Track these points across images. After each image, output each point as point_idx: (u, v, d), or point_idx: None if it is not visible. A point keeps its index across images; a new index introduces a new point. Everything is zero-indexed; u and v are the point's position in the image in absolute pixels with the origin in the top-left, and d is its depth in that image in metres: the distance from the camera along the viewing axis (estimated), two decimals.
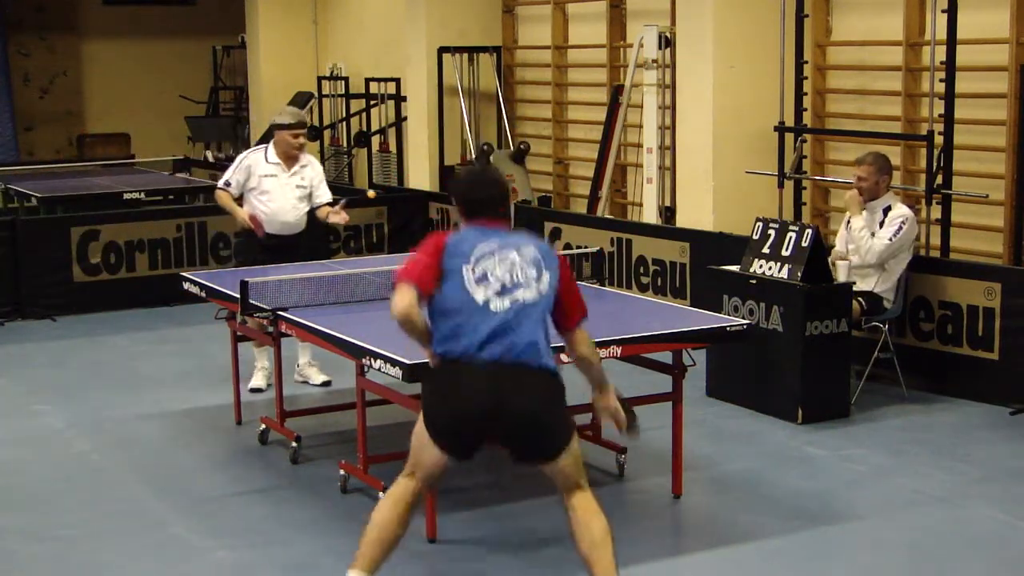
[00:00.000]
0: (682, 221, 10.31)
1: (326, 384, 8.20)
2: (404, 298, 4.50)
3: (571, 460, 4.60)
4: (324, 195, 8.16)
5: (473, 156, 12.96)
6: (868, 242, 7.63)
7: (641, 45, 10.82)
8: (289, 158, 8.00)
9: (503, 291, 4.52)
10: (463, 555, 5.50)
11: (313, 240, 8.39)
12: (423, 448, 4.58)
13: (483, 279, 4.53)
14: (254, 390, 7.98)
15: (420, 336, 4.58)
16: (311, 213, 8.15)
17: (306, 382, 8.31)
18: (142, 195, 12.47)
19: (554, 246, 4.77)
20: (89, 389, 8.36)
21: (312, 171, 8.12)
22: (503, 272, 4.55)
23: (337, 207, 8.04)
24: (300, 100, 16.55)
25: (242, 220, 7.97)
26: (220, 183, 8.13)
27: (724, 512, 6.05)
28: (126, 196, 12.34)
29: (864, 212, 7.82)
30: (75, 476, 6.63)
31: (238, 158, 8.19)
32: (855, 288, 7.58)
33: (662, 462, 6.33)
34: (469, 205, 4.76)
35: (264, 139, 8.24)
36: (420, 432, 4.59)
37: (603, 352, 5.53)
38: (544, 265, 4.63)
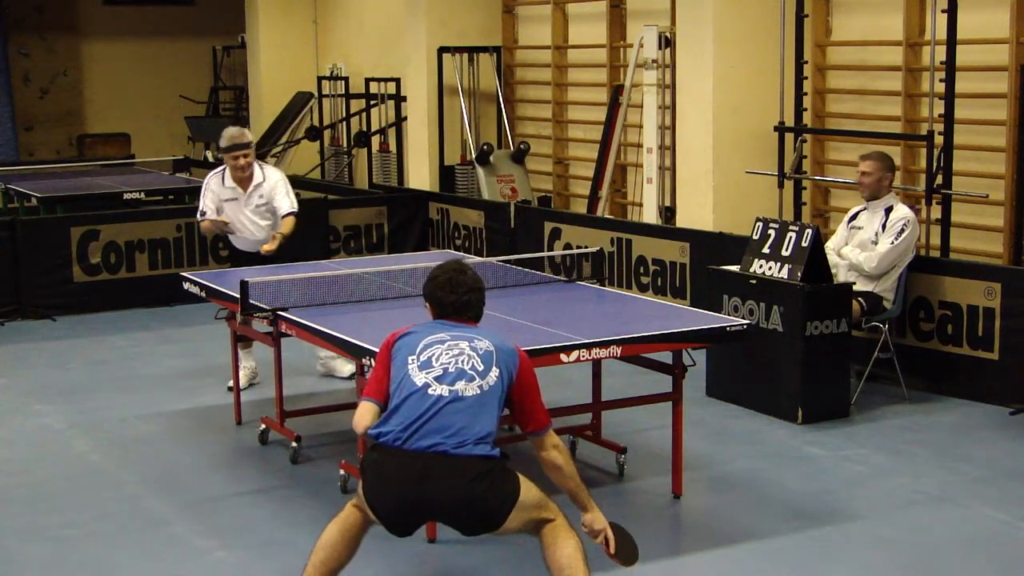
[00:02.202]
0: (682, 221, 10.31)
1: (352, 377, 8.08)
2: (364, 418, 4.50)
3: (520, 521, 4.47)
4: (282, 206, 8.03)
5: (473, 156, 12.96)
6: (865, 253, 7.62)
7: (641, 45, 10.82)
8: (241, 180, 7.97)
9: (443, 376, 4.41)
10: (463, 555, 5.49)
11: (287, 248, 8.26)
12: (363, 503, 4.50)
13: (427, 365, 4.44)
14: (231, 389, 7.73)
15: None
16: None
17: (330, 375, 8.31)
18: (142, 195, 12.48)
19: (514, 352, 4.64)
20: (89, 389, 8.36)
21: (268, 185, 8.02)
22: (448, 359, 4.44)
23: (272, 237, 7.96)
24: (299, 100, 16.58)
25: (207, 229, 8.10)
26: (197, 215, 8.15)
27: (724, 512, 6.05)
28: (126, 196, 12.36)
29: (864, 213, 7.83)
30: (75, 476, 6.63)
31: (203, 185, 8.14)
32: (855, 288, 7.58)
33: (662, 462, 6.33)
34: (439, 310, 4.67)
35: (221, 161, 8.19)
36: (361, 494, 4.51)
37: (603, 352, 5.54)
38: (496, 360, 4.47)
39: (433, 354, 4.47)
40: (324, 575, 4.54)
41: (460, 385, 4.40)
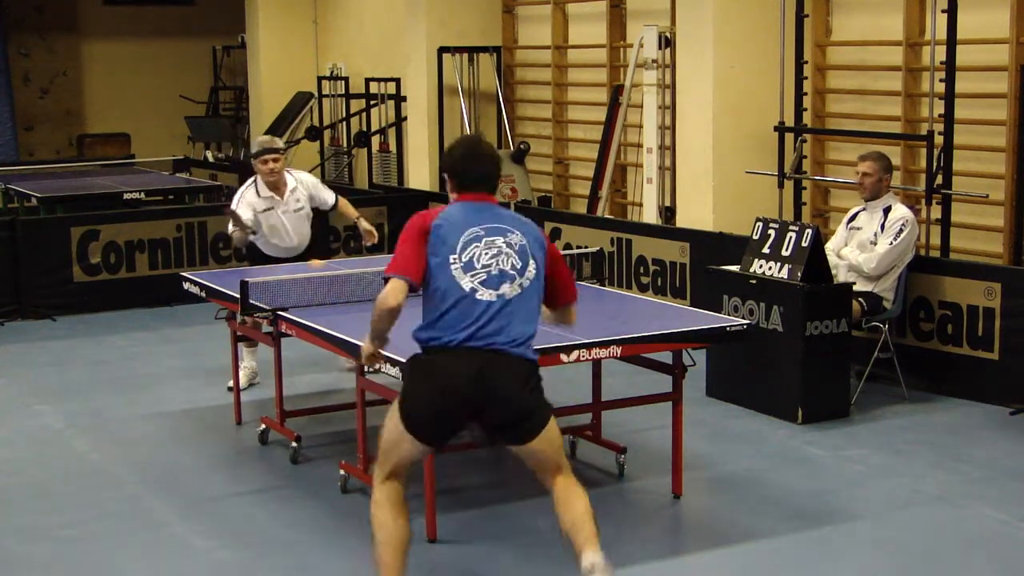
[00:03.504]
0: (682, 221, 10.31)
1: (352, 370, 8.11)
2: (397, 294, 4.55)
3: (547, 444, 4.61)
4: (327, 198, 8.26)
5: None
6: (867, 254, 7.62)
7: (641, 45, 10.82)
8: (275, 186, 8.02)
9: (488, 281, 4.53)
10: (463, 555, 5.49)
11: (321, 247, 8.36)
12: (397, 443, 4.59)
13: (470, 267, 4.53)
14: (231, 389, 7.72)
15: (384, 331, 4.69)
16: (325, 218, 8.18)
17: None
18: (142, 195, 12.49)
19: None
20: (89, 389, 8.36)
21: (303, 189, 8.14)
22: (489, 260, 4.55)
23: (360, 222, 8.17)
24: (299, 100, 16.58)
25: (239, 239, 8.04)
26: (229, 227, 8.08)
27: (724, 512, 6.05)
28: (126, 196, 12.37)
29: (863, 214, 7.84)
30: (75, 476, 6.63)
31: (236, 196, 8.10)
32: (855, 288, 7.58)
33: (662, 462, 6.33)
34: (460, 179, 4.75)
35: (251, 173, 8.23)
36: (393, 428, 4.59)
37: (603, 352, 5.55)
38: (531, 252, 4.63)
39: (474, 255, 4.55)
40: (402, 561, 4.63)
41: (505, 288, 4.55)
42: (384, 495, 4.64)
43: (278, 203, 8.05)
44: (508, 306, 4.54)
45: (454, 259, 4.53)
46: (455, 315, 4.51)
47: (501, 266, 4.55)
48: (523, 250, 4.61)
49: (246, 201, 7.99)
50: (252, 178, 8.11)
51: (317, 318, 6.16)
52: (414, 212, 4.66)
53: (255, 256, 8.22)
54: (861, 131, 9.70)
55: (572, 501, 4.59)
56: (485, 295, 4.51)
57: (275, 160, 7.97)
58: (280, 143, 8.26)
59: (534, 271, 4.62)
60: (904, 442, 6.97)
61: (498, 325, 4.50)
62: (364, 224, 8.25)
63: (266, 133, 16.56)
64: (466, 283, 4.51)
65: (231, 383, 7.74)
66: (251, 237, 8.03)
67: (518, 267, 4.58)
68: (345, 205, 8.35)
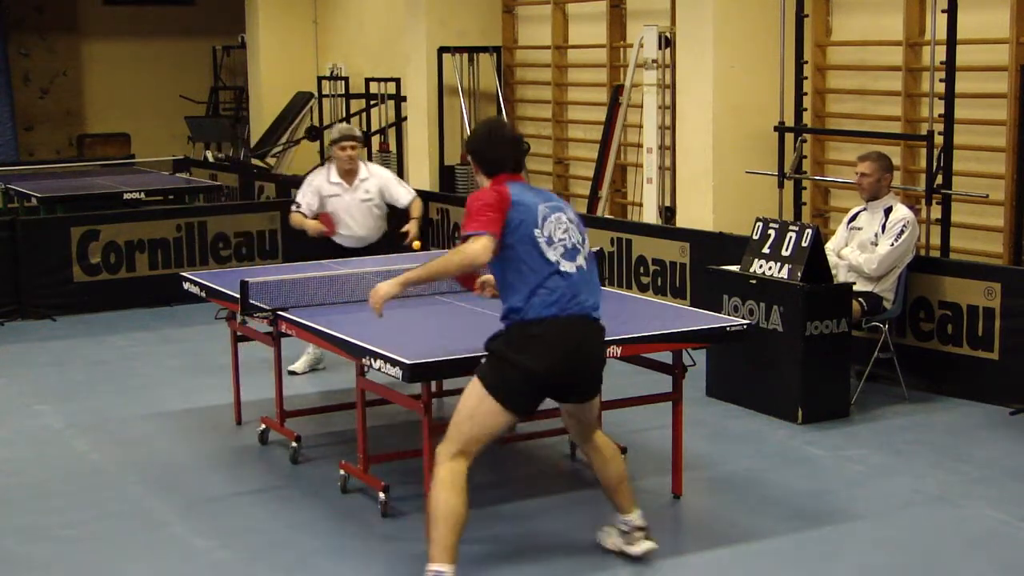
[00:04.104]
0: (682, 221, 10.31)
1: (296, 373, 8.48)
2: (488, 252, 4.78)
3: (598, 400, 5.22)
4: (402, 196, 8.38)
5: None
6: (868, 254, 7.62)
7: (641, 45, 10.82)
8: (347, 173, 8.22)
9: (567, 254, 4.86)
10: (463, 555, 5.49)
11: (391, 243, 8.46)
12: (486, 418, 4.83)
13: (551, 241, 4.83)
14: (291, 372, 8.27)
15: (437, 279, 5.34)
16: (400, 215, 8.34)
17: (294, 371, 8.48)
18: (142, 195, 12.50)
19: None
20: (89, 389, 8.37)
21: (375, 181, 8.31)
22: (562, 234, 4.87)
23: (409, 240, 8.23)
24: (299, 100, 16.58)
25: (314, 229, 8.17)
26: (293, 205, 8.37)
27: (724, 512, 6.05)
28: (126, 196, 12.37)
29: (863, 214, 7.84)
30: (75, 476, 6.63)
31: (306, 180, 8.40)
32: (855, 288, 7.58)
33: (662, 462, 6.33)
34: (488, 164, 4.99)
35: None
36: (479, 404, 4.82)
37: None
38: (582, 226, 5.03)
39: (551, 230, 4.87)
40: (458, 540, 4.81)
41: (579, 260, 4.92)
42: (449, 474, 4.80)
43: (346, 190, 8.24)
44: (583, 276, 4.91)
45: (538, 233, 4.82)
46: (549, 287, 4.81)
47: (573, 240, 4.91)
48: (579, 224, 5.01)
49: (313, 186, 8.27)
50: (325, 164, 8.32)
51: (317, 318, 6.16)
52: None
53: (325, 246, 8.33)
54: (861, 131, 9.70)
55: (615, 459, 5.23)
56: (568, 267, 4.85)
57: (352, 147, 8.21)
58: (358, 131, 8.47)
59: (587, 243, 5.04)
60: (904, 442, 6.97)
61: (582, 295, 4.88)
62: (414, 230, 8.26)
63: (266, 133, 16.61)
64: (552, 256, 4.82)
65: (292, 367, 8.24)
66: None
67: (580, 240, 4.96)
68: (415, 207, 8.37)
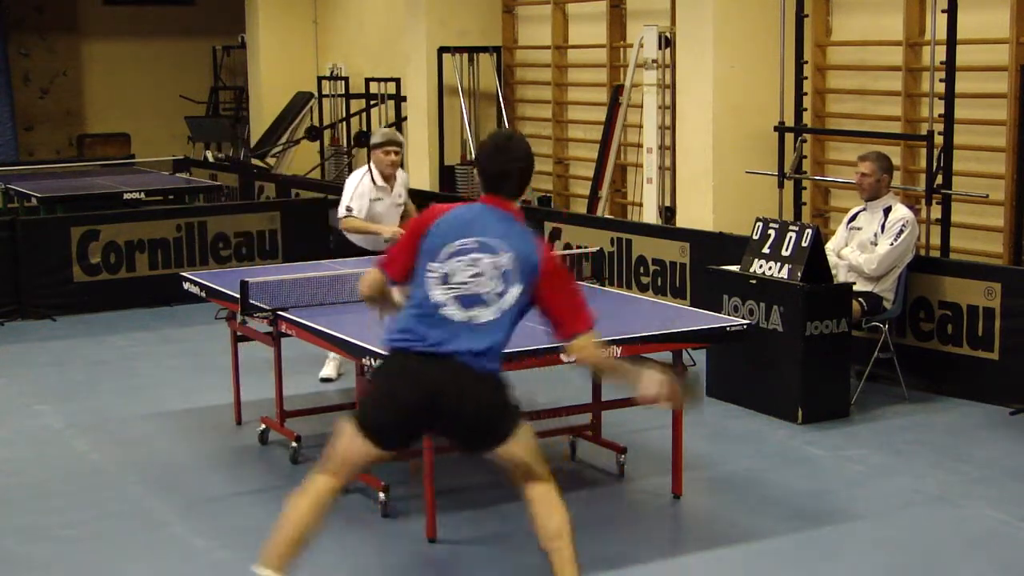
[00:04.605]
0: (682, 221, 10.31)
1: (327, 380, 8.38)
2: (368, 283, 4.63)
3: (520, 449, 4.45)
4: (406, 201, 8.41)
5: (473, 156, 12.96)
6: (867, 254, 7.62)
7: (641, 45, 10.82)
8: (387, 177, 8.17)
9: (461, 299, 4.37)
10: (463, 555, 5.49)
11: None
12: (351, 441, 4.45)
13: (445, 279, 4.38)
14: (324, 380, 8.26)
15: (384, 309, 4.76)
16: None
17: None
18: (142, 195, 12.50)
19: (549, 248, 4.60)
20: (89, 389, 8.37)
21: (403, 184, 8.31)
22: (467, 278, 4.38)
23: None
24: (299, 100, 16.57)
25: (392, 233, 7.87)
26: (341, 212, 8.14)
27: (724, 512, 6.05)
28: (126, 196, 12.36)
29: (863, 214, 7.84)
30: (75, 476, 6.63)
31: (349, 184, 8.20)
32: (855, 288, 7.58)
33: (662, 462, 6.32)
34: (483, 178, 4.54)
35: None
36: (347, 425, 4.48)
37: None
38: (517, 277, 4.38)
39: (455, 268, 4.38)
40: (295, 552, 4.46)
41: (476, 311, 4.37)
42: (311, 484, 4.52)
43: (387, 194, 8.19)
44: (477, 327, 4.37)
45: (432, 268, 4.40)
46: (421, 323, 4.38)
47: (478, 289, 4.37)
48: (507, 274, 4.38)
49: (360, 191, 8.09)
50: (363, 168, 8.24)
51: (317, 318, 6.16)
52: None
53: (346, 248, 8.27)
54: (861, 131, 9.70)
55: (549, 516, 4.46)
56: (452, 313, 4.36)
57: (396, 152, 8.14)
58: (402, 137, 8.49)
59: (514, 297, 4.40)
60: (904, 442, 6.97)
61: (461, 343, 4.35)
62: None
63: (266, 133, 16.61)
64: (438, 295, 4.37)
65: (322, 374, 8.24)
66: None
67: (498, 291, 4.38)
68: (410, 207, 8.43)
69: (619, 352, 5.61)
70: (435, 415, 4.39)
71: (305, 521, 4.46)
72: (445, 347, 4.35)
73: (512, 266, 4.39)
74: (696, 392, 4.62)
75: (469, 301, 4.37)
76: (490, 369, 4.41)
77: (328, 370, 8.31)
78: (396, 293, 4.65)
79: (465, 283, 4.38)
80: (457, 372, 4.34)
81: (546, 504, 4.46)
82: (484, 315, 4.38)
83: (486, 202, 4.52)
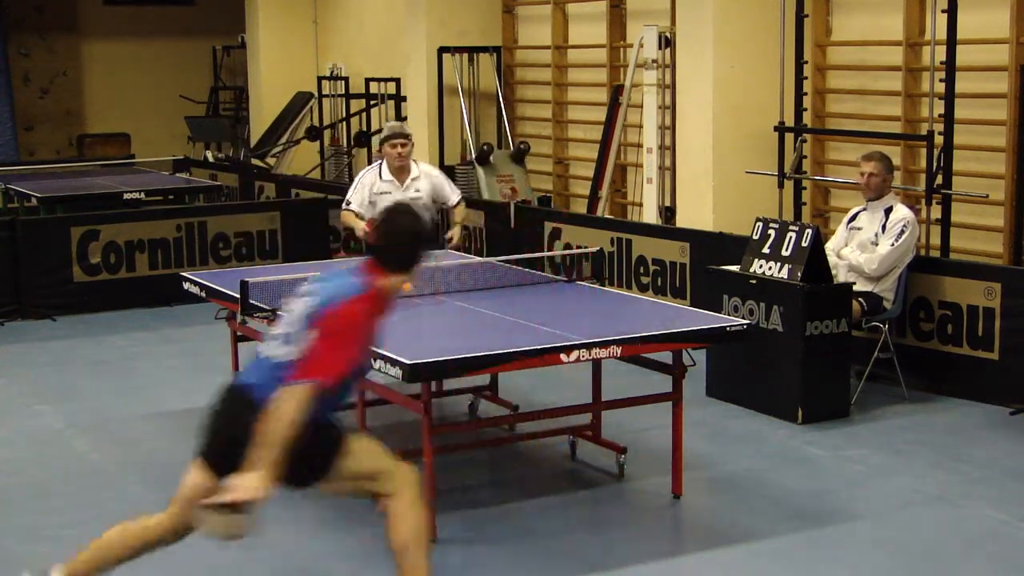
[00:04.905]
0: (682, 221, 10.31)
1: None
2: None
3: (344, 484, 4.52)
4: (450, 197, 8.39)
5: (473, 156, 12.96)
6: (868, 254, 7.62)
7: (641, 45, 10.82)
8: (399, 171, 8.19)
9: (277, 337, 4.43)
10: (463, 555, 5.49)
11: (439, 243, 8.52)
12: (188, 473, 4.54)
13: (278, 325, 4.50)
14: None
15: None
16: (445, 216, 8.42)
17: None
18: (142, 195, 12.50)
19: (353, 304, 4.37)
20: (89, 389, 8.36)
21: (425, 181, 8.28)
22: (287, 321, 4.44)
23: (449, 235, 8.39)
24: (299, 100, 16.57)
25: (363, 230, 8.02)
26: (344, 204, 8.30)
27: (724, 512, 6.05)
28: (126, 196, 12.36)
29: (863, 214, 7.85)
30: (75, 476, 6.63)
31: (356, 177, 8.36)
32: (855, 288, 7.58)
33: (662, 462, 6.32)
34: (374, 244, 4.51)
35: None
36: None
37: (603, 352, 5.54)
38: (312, 322, 4.34)
39: (283, 315, 4.50)
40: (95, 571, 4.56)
41: (285, 350, 4.36)
42: (151, 519, 4.61)
43: (397, 188, 8.19)
44: (266, 361, 4.42)
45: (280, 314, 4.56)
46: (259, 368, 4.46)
47: (288, 330, 4.41)
48: (305, 319, 4.37)
49: (364, 183, 8.19)
50: (377, 162, 8.31)
51: None
52: None
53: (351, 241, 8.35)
54: (861, 131, 9.70)
55: (396, 527, 4.46)
56: (267, 352, 4.43)
57: (403, 145, 8.16)
58: (409, 129, 8.51)
59: (305, 340, 4.37)
60: (904, 442, 6.97)
61: (264, 375, 4.37)
62: (456, 230, 8.42)
63: (266, 133, 16.60)
64: (266, 337, 4.54)
65: None
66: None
67: (299, 334, 4.37)
68: (459, 209, 8.41)
69: (619, 352, 5.60)
70: (230, 443, 4.39)
71: (112, 534, 4.63)
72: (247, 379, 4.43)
73: (309, 313, 4.37)
74: (235, 527, 4.42)
75: (281, 340, 4.41)
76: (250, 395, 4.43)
77: None
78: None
79: (283, 325, 4.44)
80: (230, 397, 4.45)
81: (394, 518, 4.47)
82: (287, 355, 4.34)
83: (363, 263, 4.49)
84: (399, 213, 4.54)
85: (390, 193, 8.20)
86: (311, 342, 4.27)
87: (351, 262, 4.57)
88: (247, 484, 4.23)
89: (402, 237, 4.44)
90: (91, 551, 4.59)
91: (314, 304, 4.35)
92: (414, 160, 8.36)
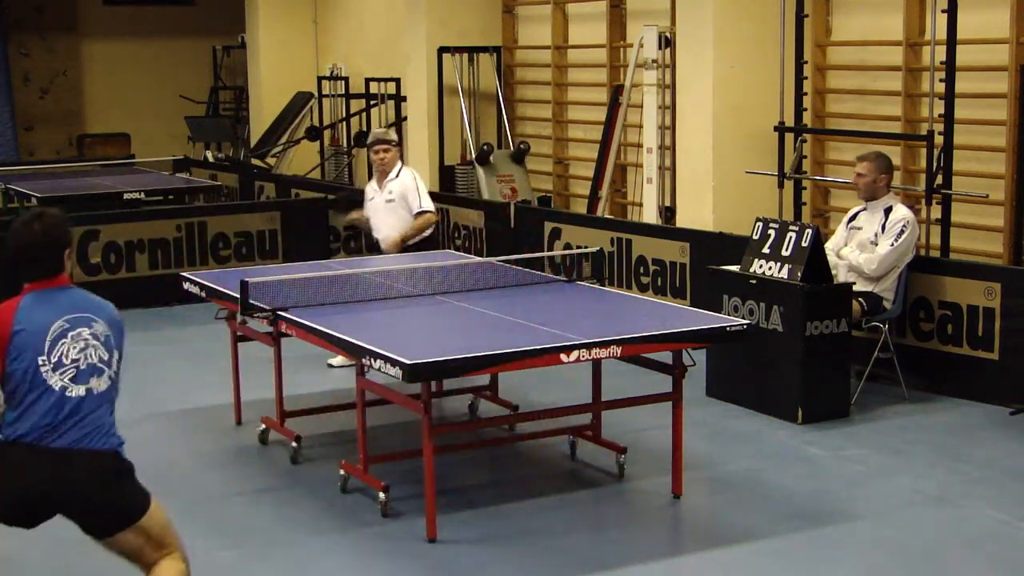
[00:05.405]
0: (682, 221, 10.31)
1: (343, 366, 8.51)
2: None
3: (137, 537, 4.40)
4: (413, 206, 8.47)
5: (473, 156, 12.96)
6: (867, 254, 7.62)
7: (641, 45, 10.82)
8: (381, 175, 8.46)
9: (78, 376, 4.33)
10: (463, 555, 5.50)
11: (431, 245, 8.66)
12: None
13: (60, 365, 4.31)
14: (331, 365, 8.46)
15: None
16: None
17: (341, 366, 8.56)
18: (142, 195, 12.49)
19: None
20: None
21: (399, 183, 8.45)
22: (77, 354, 4.35)
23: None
24: (299, 100, 16.57)
25: (348, 220, 8.79)
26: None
27: (724, 512, 6.05)
28: (126, 196, 12.35)
29: (863, 214, 7.85)
30: None
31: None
32: (855, 288, 7.58)
33: (662, 462, 6.32)
34: (20, 266, 4.38)
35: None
36: None
37: (603, 352, 5.54)
38: (114, 343, 4.48)
39: (63, 351, 4.33)
40: None
41: (94, 382, 4.38)
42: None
43: (376, 192, 8.49)
44: (97, 398, 4.39)
45: (43, 360, 4.28)
46: (40, 411, 4.28)
47: (90, 360, 4.37)
48: (108, 341, 4.45)
49: (366, 189, 8.66)
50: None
51: (317, 318, 6.16)
52: None
53: (369, 244, 8.73)
54: (861, 131, 9.70)
55: None
56: (74, 392, 4.32)
57: (384, 151, 8.42)
58: (393, 135, 8.68)
59: (117, 361, 4.51)
60: (904, 442, 6.97)
61: (85, 419, 4.34)
62: (395, 237, 8.49)
63: (266, 133, 16.61)
64: (56, 382, 4.29)
65: (332, 360, 8.38)
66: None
67: (105, 359, 4.43)
68: (416, 221, 8.45)
69: (619, 352, 5.60)
70: (58, 504, 4.31)
71: None
72: (70, 435, 4.31)
73: (109, 333, 4.47)
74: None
75: (86, 375, 4.36)
76: (111, 448, 4.43)
77: (340, 358, 8.33)
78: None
79: (76, 359, 4.35)
80: (82, 458, 4.32)
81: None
82: (100, 384, 4.40)
83: (39, 288, 4.39)
84: (27, 223, 4.42)
85: (373, 198, 8.50)
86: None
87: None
88: None
89: (49, 236, 4.42)
90: None
91: (106, 329, 4.50)
92: (402, 165, 8.57)
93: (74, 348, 4.37)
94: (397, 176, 8.49)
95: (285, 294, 6.60)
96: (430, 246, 8.59)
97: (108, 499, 4.36)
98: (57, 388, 4.30)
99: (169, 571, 4.41)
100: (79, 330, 4.40)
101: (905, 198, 8.93)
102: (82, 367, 4.36)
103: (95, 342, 4.43)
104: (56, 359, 4.32)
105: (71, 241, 4.53)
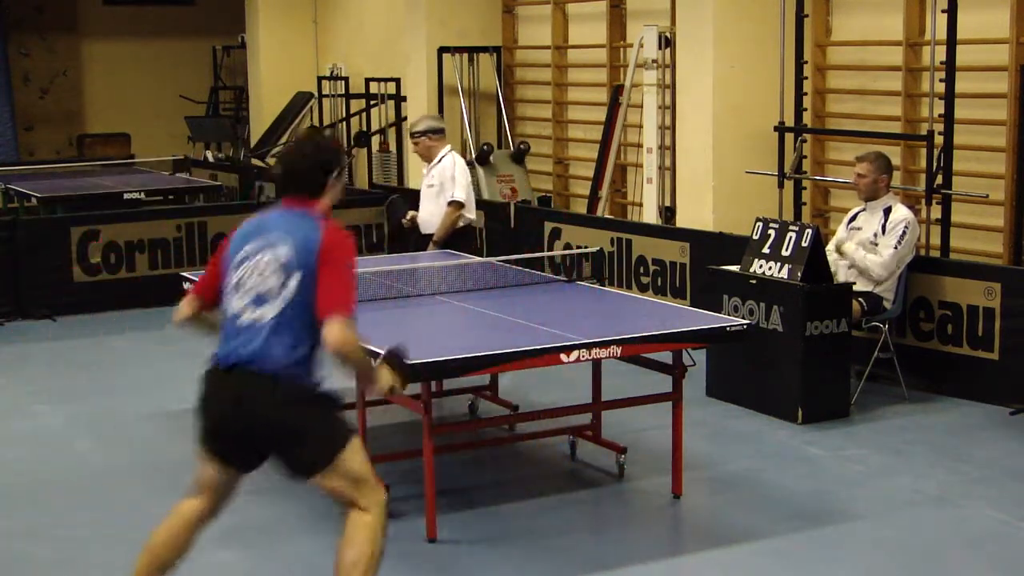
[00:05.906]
0: (682, 221, 10.31)
1: None
2: (182, 309, 4.68)
3: (336, 481, 4.30)
4: (447, 193, 8.45)
5: (473, 156, 12.96)
6: (872, 257, 7.62)
7: (641, 45, 10.82)
8: (425, 160, 8.59)
9: (252, 303, 4.31)
10: (463, 555, 5.50)
11: (466, 239, 8.60)
12: (202, 464, 4.46)
13: (240, 286, 4.35)
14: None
15: (204, 330, 4.72)
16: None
17: None
18: (142, 195, 12.49)
19: (337, 230, 4.37)
20: (89, 389, 8.36)
21: (439, 169, 8.50)
22: (255, 281, 4.32)
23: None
24: (299, 100, 16.57)
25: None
26: None
27: (724, 512, 6.05)
28: (126, 196, 12.36)
29: (863, 214, 7.85)
30: (75, 476, 6.63)
31: None
32: (855, 288, 7.58)
33: (662, 462, 6.33)
34: (276, 181, 4.55)
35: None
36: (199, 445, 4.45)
37: (603, 352, 5.54)
38: (295, 266, 4.26)
39: (244, 274, 4.35)
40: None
41: (265, 310, 4.27)
42: (176, 507, 4.56)
43: (423, 176, 8.61)
44: (267, 328, 4.26)
45: (231, 274, 4.39)
46: (224, 334, 4.38)
47: (261, 287, 4.29)
48: (288, 264, 4.27)
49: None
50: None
51: None
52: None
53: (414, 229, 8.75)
54: (861, 131, 9.70)
55: (343, 549, 4.31)
56: (247, 317, 4.29)
57: (415, 143, 8.62)
58: (426, 125, 8.67)
59: (295, 285, 4.26)
60: (904, 442, 6.97)
61: (256, 346, 4.25)
62: (412, 214, 8.74)
63: (266, 133, 16.60)
64: (234, 304, 4.34)
65: None
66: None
67: (278, 285, 4.28)
68: (447, 210, 8.37)
69: (619, 352, 5.60)
70: (243, 430, 4.31)
71: (155, 540, 4.51)
72: (232, 358, 4.29)
73: (291, 255, 4.29)
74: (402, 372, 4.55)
75: (260, 300, 4.30)
76: (289, 377, 4.27)
77: None
78: (213, 314, 4.61)
79: (253, 286, 4.32)
80: (250, 382, 4.26)
81: (345, 539, 4.33)
82: (269, 313, 4.27)
83: (282, 204, 4.47)
84: (296, 143, 4.65)
85: (423, 184, 8.64)
86: (323, 280, 4.21)
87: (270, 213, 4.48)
88: (383, 383, 4.45)
89: (300, 163, 4.46)
90: (141, 559, 4.52)
91: (289, 251, 4.27)
92: (449, 153, 8.55)
93: (252, 275, 4.35)
94: (439, 162, 8.52)
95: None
96: (463, 241, 8.41)
97: (285, 426, 4.27)
98: (234, 311, 4.36)
99: (348, 538, 4.33)
100: (263, 255, 4.33)
101: (905, 198, 8.93)
102: (257, 294, 4.31)
103: (271, 268, 4.30)
104: (237, 279, 4.38)
105: (334, 168, 4.48)
